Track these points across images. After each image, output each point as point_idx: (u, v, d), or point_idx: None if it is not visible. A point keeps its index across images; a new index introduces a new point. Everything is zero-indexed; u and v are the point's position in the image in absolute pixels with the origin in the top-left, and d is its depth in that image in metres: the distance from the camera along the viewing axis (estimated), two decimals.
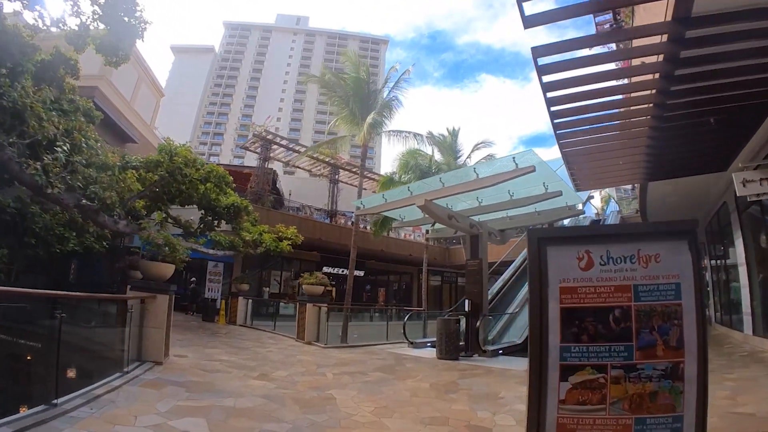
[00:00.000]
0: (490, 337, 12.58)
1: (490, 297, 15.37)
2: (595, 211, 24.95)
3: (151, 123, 24.78)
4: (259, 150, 28.41)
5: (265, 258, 22.03)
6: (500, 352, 11.37)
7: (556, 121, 7.34)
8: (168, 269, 8.85)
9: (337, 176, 31.92)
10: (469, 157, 23.42)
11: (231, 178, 14.90)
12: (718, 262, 16.41)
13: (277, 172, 33.51)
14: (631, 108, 7.50)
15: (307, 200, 33.16)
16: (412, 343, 13.14)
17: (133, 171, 11.75)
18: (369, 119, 17.52)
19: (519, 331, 13.05)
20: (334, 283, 31.07)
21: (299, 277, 14.90)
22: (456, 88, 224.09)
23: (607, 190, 25.66)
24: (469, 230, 12.22)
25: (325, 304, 14.00)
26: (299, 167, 29.72)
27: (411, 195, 11.33)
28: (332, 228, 27.47)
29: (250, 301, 20.23)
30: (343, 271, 30.87)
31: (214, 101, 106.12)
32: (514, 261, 19.15)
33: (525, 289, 16.18)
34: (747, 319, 11.50)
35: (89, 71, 13.23)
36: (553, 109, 6.98)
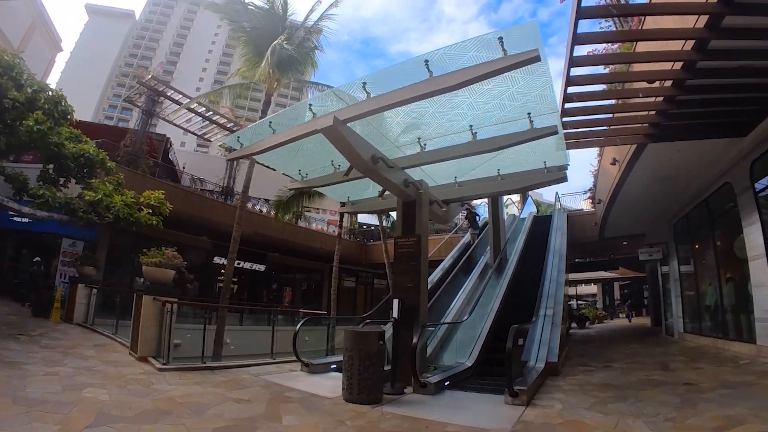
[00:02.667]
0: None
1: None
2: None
3: (44, 77, 19.19)
4: (142, 102, 22.39)
5: (142, 239, 16.87)
6: (446, 383, 7.05)
7: None
8: None
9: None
10: None
11: (72, 108, 11.69)
12: (701, 259, 13.35)
13: (171, 141, 27.68)
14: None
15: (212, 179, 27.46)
16: (307, 365, 8.54)
17: None
18: (274, 54, 12.70)
19: (467, 347, 8.86)
20: (236, 280, 26.20)
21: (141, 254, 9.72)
22: None
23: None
24: (403, 190, 7.80)
25: (175, 299, 9.01)
26: (181, 127, 23.84)
27: (314, 117, 6.72)
28: (226, 208, 22.04)
29: (95, 291, 14.56)
30: (239, 264, 25.57)
31: (126, 73, 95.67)
32: (442, 261, 15.12)
33: (471, 284, 12.16)
34: (763, 328, 9.19)
35: None
36: None
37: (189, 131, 24.68)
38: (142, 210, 12.39)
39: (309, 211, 34.11)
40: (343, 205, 11.14)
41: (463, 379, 7.69)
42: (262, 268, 26.30)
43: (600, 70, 8.21)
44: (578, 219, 20.88)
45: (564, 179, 8.53)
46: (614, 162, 11.47)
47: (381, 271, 26.73)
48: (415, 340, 6.42)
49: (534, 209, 21.98)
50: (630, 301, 34.05)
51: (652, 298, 24.01)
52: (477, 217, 18.02)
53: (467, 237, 17.08)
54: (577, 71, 6.99)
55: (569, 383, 7.43)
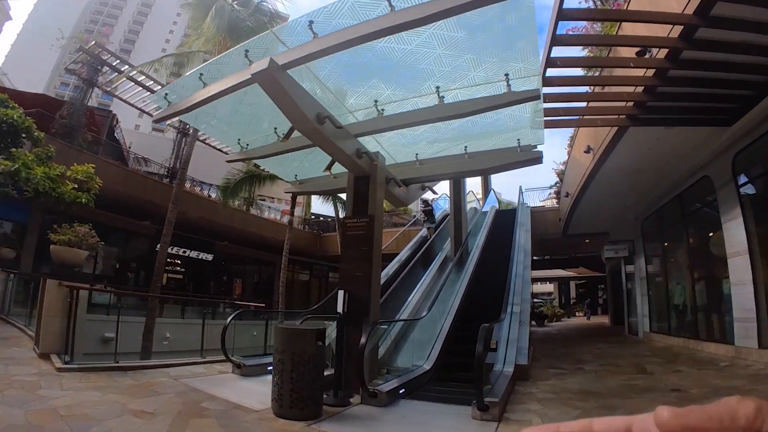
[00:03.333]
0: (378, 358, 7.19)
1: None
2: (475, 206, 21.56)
3: None
4: (84, 71, 20.27)
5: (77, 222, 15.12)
6: (401, 391, 5.92)
7: None
8: None
9: (188, 126, 24.09)
10: None
11: None
12: (671, 257, 12.82)
13: (117, 118, 25.50)
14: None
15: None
16: (239, 366, 7.23)
17: None
18: (222, 17, 11.26)
19: (425, 347, 7.78)
20: (183, 270, 24.44)
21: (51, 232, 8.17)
22: None
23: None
24: (356, 162, 6.55)
25: (86, 284, 7.55)
26: (128, 102, 21.73)
27: (250, 64, 5.41)
28: (170, 190, 20.15)
29: (13, 277, 12.76)
30: (185, 252, 23.79)
31: (81, 48, 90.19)
32: (397, 255, 14.05)
33: (429, 278, 11.13)
34: (743, 329, 8.64)
35: None
36: None
37: (135, 107, 22.61)
38: (68, 185, 10.80)
39: (264, 200, 32.40)
40: (293, 185, 9.82)
41: (421, 385, 6.58)
42: (209, 257, 24.57)
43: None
44: (541, 215, 20.25)
45: (539, 160, 7.53)
46: (588, 150, 10.64)
47: (336, 264, 25.50)
48: (363, 340, 5.24)
49: (496, 203, 21.14)
50: (589, 300, 34.04)
51: (611, 297, 23.75)
52: (434, 212, 17.10)
53: (424, 231, 16.04)
54: (565, 31, 6.06)
55: (543, 390, 6.44)
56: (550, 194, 21.73)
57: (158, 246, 21.92)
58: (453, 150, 7.82)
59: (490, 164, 7.42)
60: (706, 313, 10.75)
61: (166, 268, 24.63)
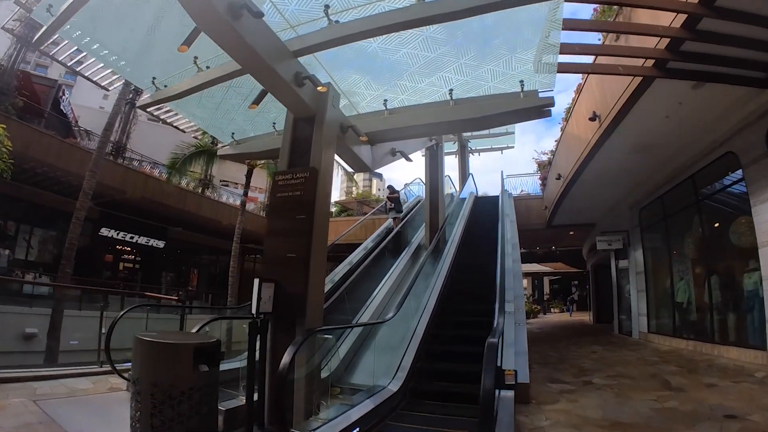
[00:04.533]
0: (324, 373, 5.24)
1: (330, 286, 8.10)
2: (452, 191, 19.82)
3: None
4: (16, 29, 17.58)
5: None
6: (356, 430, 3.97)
7: None
8: None
9: (138, 95, 21.37)
10: None
11: None
12: (677, 249, 11.26)
13: (63, 89, 22.85)
14: None
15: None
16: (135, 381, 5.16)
17: None
18: None
19: (392, 358, 5.84)
20: (137, 258, 21.90)
21: None
22: None
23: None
24: (294, 92, 4.42)
25: None
26: (71, 68, 19.19)
27: None
28: (113, 167, 17.74)
29: None
30: (133, 238, 21.27)
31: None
32: (363, 242, 12.13)
33: (399, 269, 9.28)
34: None
35: None
36: None
37: (81, 74, 19.89)
38: None
39: (227, 185, 29.91)
40: (230, 147, 7.70)
41: (387, 413, 4.67)
42: (161, 244, 22.13)
43: None
44: (524, 203, 18.55)
45: (547, 113, 5.69)
46: (594, 117, 8.88)
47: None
48: (287, 358, 3.23)
49: (475, 190, 19.39)
50: (571, 296, 32.95)
51: (594, 293, 22.38)
52: (401, 199, 15.17)
53: (389, 222, 14.00)
54: None
55: (556, 422, 4.61)
56: (540, 171, 19.89)
57: (101, 229, 19.98)
58: (434, 94, 5.87)
59: (482, 113, 5.47)
60: (722, 312, 9.16)
61: (122, 256, 22.33)
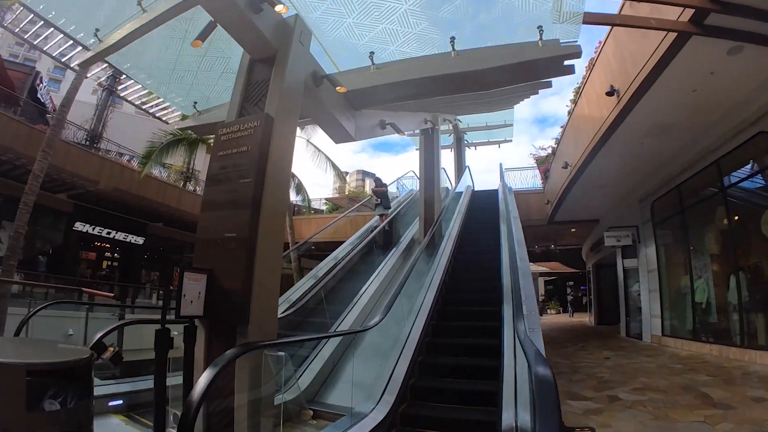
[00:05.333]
0: (289, 396, 4.13)
1: (311, 283, 7.02)
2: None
3: None
4: None
5: None
6: None
7: None
8: None
9: (117, 81, 20.10)
10: None
11: None
12: (697, 244, 10.23)
13: (41, 77, 21.60)
14: None
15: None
16: None
17: None
18: None
19: (378, 375, 4.73)
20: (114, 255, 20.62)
21: None
22: None
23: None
24: (249, 23, 3.37)
25: None
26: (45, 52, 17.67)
27: None
28: (86, 157, 16.47)
29: None
30: (110, 234, 20.00)
31: None
32: (344, 242, 10.92)
33: (389, 266, 8.22)
34: None
35: None
36: None
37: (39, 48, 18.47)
38: None
39: None
40: (191, 119, 6.54)
41: None
42: (140, 240, 20.91)
43: None
44: (523, 198, 17.42)
45: (570, 69, 4.66)
46: (611, 92, 7.82)
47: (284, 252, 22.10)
48: (201, 384, 2.01)
49: (472, 184, 18.32)
50: (573, 297, 32.09)
51: (596, 294, 21.39)
52: (389, 194, 13.84)
53: (375, 220, 12.61)
54: None
55: None
56: (539, 166, 18.86)
57: (75, 224, 18.72)
58: (432, 45, 4.76)
59: (491, 64, 4.37)
60: (753, 313, 8.15)
61: (100, 253, 21.08)
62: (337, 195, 39.16)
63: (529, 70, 4.54)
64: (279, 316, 5.90)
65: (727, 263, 8.99)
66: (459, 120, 17.03)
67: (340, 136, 5.19)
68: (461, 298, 7.50)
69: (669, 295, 11.14)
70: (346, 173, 21.83)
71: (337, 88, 4.35)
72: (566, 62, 4.63)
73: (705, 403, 5.19)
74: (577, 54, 4.43)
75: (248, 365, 2.73)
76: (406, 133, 8.90)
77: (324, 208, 27.65)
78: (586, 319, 23.65)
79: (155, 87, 6.21)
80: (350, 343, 5.10)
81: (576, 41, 4.56)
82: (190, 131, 14.77)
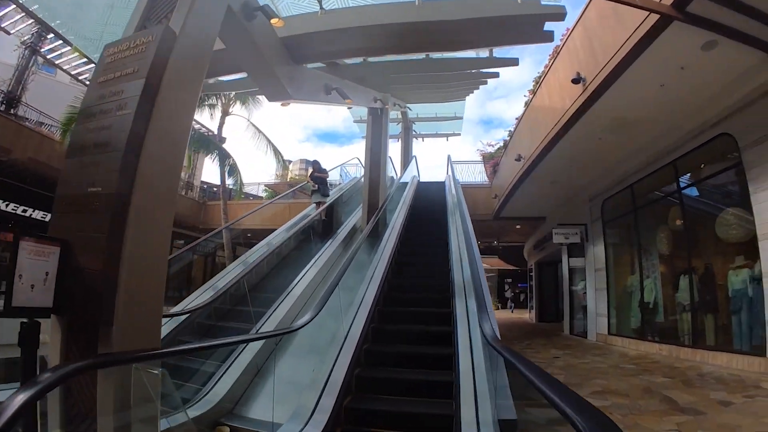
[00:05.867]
0: (197, 412, 3.27)
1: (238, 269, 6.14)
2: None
3: None
4: None
5: None
6: None
7: None
8: None
9: (41, 39, 17.74)
10: None
11: None
12: (650, 244, 10.08)
13: None
14: None
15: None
16: None
17: None
18: None
19: (309, 384, 3.93)
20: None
21: None
22: None
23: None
24: None
25: None
26: None
27: None
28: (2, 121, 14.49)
29: None
30: (26, 212, 17.86)
31: None
32: (276, 229, 9.92)
33: (326, 257, 7.48)
34: None
35: None
36: None
37: None
38: None
39: None
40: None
41: None
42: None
43: None
44: (469, 192, 16.96)
45: (549, 36, 4.17)
46: (578, 80, 7.35)
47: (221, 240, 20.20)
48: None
49: (418, 175, 17.80)
50: (513, 294, 32.57)
51: (538, 291, 21.56)
52: (329, 181, 12.75)
53: (311, 208, 11.38)
54: None
55: None
56: (485, 163, 18.58)
57: None
58: None
59: (464, 15, 3.66)
60: (704, 313, 8.03)
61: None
62: (278, 182, 37.61)
63: (505, 28, 3.89)
64: (198, 306, 5.01)
65: (679, 264, 8.87)
66: (409, 108, 16.41)
67: (275, 92, 4.26)
68: (408, 295, 6.78)
69: (616, 294, 11.03)
70: (290, 162, 20.60)
71: (273, 20, 3.48)
72: (546, 26, 4.02)
73: (673, 409, 4.81)
74: (560, 15, 3.88)
75: (112, 385, 1.87)
76: (352, 106, 8.12)
77: (264, 195, 26.36)
78: (526, 315, 23.88)
79: (85, 46, 5.06)
80: (278, 343, 4.28)
81: (560, 2, 3.95)
82: None
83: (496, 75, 9.86)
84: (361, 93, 8.15)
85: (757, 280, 6.86)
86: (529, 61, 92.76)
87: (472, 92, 13.76)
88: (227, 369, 4.06)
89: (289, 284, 6.10)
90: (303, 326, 3.59)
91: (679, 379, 6.38)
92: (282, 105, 4.84)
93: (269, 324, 5.24)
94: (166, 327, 5.05)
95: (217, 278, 6.76)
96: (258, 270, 6.33)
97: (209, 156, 18.75)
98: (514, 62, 8.28)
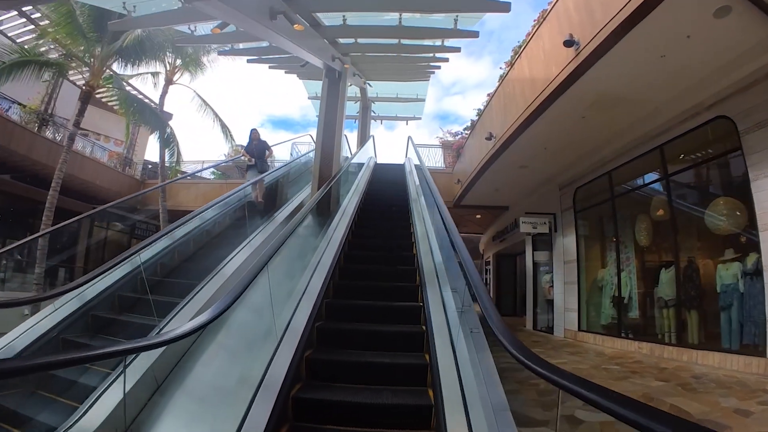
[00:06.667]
0: None
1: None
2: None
3: None
4: None
5: None
6: None
7: None
8: None
9: None
10: None
11: None
12: (628, 235, 9.44)
13: None
14: None
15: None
16: None
17: None
18: None
19: (228, 403, 2.77)
20: None
21: None
22: None
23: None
24: None
25: None
26: None
27: None
28: None
29: None
30: None
31: None
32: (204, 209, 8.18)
33: (262, 237, 6.30)
34: None
35: None
36: None
37: None
38: None
39: (86, 135, 24.32)
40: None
41: None
42: None
43: None
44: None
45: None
46: (570, 41, 6.45)
47: (156, 221, 18.17)
48: None
49: (375, 156, 16.68)
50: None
51: (495, 284, 21.06)
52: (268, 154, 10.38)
53: (245, 186, 8.85)
54: None
55: None
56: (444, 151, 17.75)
57: None
58: None
59: None
60: (691, 310, 7.40)
61: None
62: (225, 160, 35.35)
63: None
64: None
65: (662, 256, 8.25)
66: (369, 84, 15.22)
67: None
68: (361, 294, 5.46)
69: (588, 288, 10.38)
70: (241, 146, 19.02)
71: None
72: None
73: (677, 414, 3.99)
74: None
75: None
76: (306, 65, 6.92)
77: (212, 177, 24.47)
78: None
79: None
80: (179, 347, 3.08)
81: None
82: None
83: (458, 49, 10.09)
84: (319, 44, 6.95)
85: (749, 274, 6.32)
86: (488, 59, 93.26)
87: (434, 72, 12.90)
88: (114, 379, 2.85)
89: (218, 263, 4.88)
90: (198, 328, 2.42)
91: (675, 382, 5.71)
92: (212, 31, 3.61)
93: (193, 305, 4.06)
94: (48, 320, 3.77)
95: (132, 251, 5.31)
96: (182, 248, 5.06)
97: (149, 129, 16.95)
98: (474, 34, 8.47)
